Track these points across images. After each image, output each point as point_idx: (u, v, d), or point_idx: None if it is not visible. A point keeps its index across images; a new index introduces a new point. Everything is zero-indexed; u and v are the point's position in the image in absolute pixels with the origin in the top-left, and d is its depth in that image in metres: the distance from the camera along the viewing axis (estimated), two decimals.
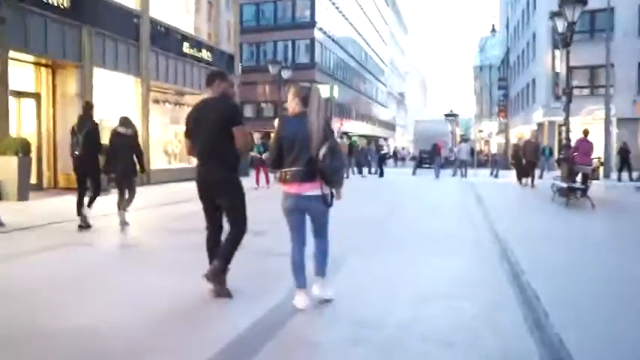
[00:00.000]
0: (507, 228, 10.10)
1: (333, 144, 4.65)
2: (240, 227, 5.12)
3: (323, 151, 4.57)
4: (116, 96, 20.65)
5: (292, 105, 4.82)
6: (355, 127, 65.70)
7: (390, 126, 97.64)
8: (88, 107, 9.79)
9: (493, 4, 56.25)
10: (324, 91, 40.25)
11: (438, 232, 9.65)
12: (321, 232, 4.97)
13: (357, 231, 9.48)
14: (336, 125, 44.44)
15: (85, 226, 9.33)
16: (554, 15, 16.69)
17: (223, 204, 5.13)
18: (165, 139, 25.00)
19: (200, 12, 27.25)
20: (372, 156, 34.18)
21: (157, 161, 23.39)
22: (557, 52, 37.31)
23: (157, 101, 23.66)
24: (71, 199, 10.52)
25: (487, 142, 74.11)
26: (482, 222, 11.16)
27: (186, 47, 24.54)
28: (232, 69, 29.23)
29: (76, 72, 17.91)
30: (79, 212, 9.42)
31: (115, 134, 9.67)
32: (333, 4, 57.51)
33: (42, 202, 14.20)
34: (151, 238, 9.29)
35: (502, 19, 58.95)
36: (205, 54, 26.28)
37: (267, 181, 19.74)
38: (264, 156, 18.69)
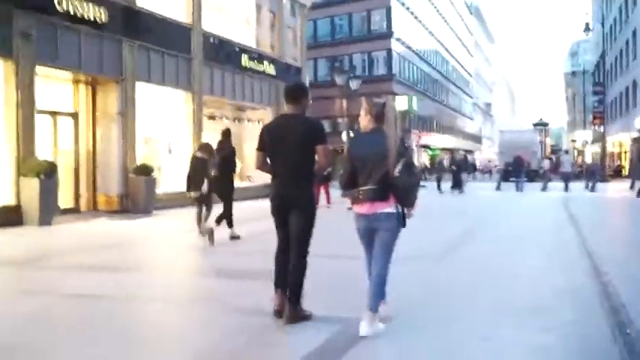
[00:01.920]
0: (615, 270, 7.22)
1: (409, 161, 4.53)
2: (303, 253, 4.97)
3: (399, 168, 4.39)
4: (165, 112, 19.37)
5: (364, 121, 4.68)
6: (438, 140, 62.91)
7: (476, 138, 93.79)
8: (227, 133, 10.64)
9: (585, 5, 52.16)
10: (402, 103, 38.66)
11: (512, 288, 6.91)
12: (382, 256, 4.66)
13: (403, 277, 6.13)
14: (415, 138, 42.02)
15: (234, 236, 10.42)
16: None
17: (294, 222, 4.94)
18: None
19: (262, 23, 25.70)
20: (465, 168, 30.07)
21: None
22: None
23: (212, 117, 22.20)
24: (99, 224, 12.14)
25: (581, 153, 69.38)
26: (579, 261, 8.12)
27: (245, 60, 22.96)
28: (299, 82, 27.45)
29: (117, 88, 16.66)
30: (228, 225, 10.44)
31: (193, 158, 10.39)
32: (412, 13, 55.34)
33: (64, 227, 12.88)
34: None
35: (596, 18, 54.81)
36: (268, 67, 24.65)
37: (329, 201, 17.87)
38: (325, 173, 16.84)
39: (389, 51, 49.56)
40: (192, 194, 10.21)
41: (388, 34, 49.39)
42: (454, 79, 77.20)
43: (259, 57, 24.23)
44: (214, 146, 10.36)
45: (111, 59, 16.33)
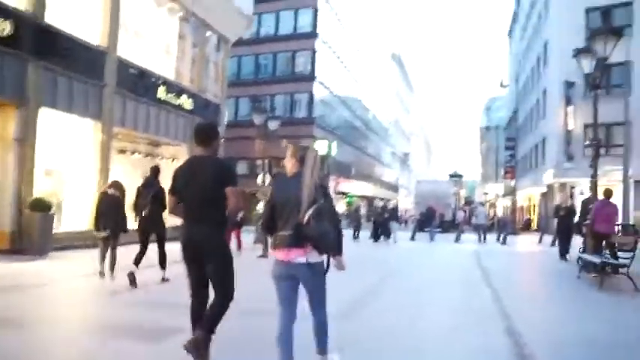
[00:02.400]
0: (531, 331, 7.05)
1: (321, 207, 4.34)
2: (226, 295, 4.82)
3: (309, 213, 4.29)
4: (70, 142, 18.10)
5: (289, 165, 4.62)
6: (356, 188, 63.05)
7: (394, 187, 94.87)
8: (155, 171, 10.41)
9: (501, 63, 54.49)
10: (322, 147, 38.24)
11: (428, 335, 6.71)
12: (316, 303, 4.59)
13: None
14: (332, 184, 41.80)
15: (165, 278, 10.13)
16: (579, 52, 13.91)
17: (210, 268, 4.81)
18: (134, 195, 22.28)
19: (183, 55, 24.84)
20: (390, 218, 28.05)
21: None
22: (570, 109, 35.06)
23: (123, 151, 21.06)
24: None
25: (492, 205, 71.35)
26: (492, 320, 7.70)
27: (162, 92, 22.01)
28: (218, 120, 26.68)
29: (17, 112, 15.33)
30: (136, 265, 9.83)
31: (103, 195, 10.49)
32: (338, 57, 55.69)
33: None
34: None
35: (511, 76, 57.07)
36: (185, 101, 23.76)
37: (239, 246, 17.04)
38: (238, 218, 16.26)
39: (311, 94, 49.45)
40: (102, 233, 10.21)
41: (311, 77, 49.33)
42: (374, 126, 78.03)
43: (177, 90, 23.33)
44: (126, 185, 10.43)
45: (12, 79, 15.03)
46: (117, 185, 10.61)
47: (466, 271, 13.86)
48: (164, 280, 10.12)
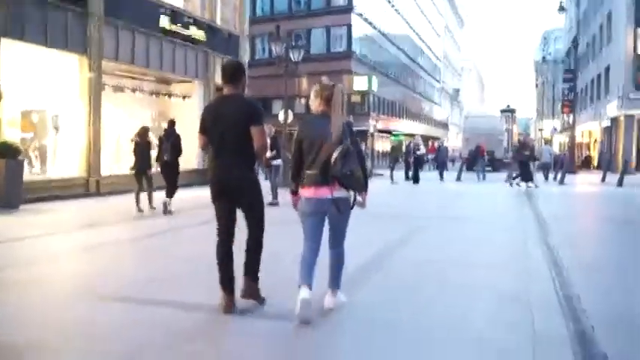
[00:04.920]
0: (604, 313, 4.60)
1: (346, 147, 4.39)
2: (260, 230, 4.90)
3: (335, 154, 4.34)
4: (49, 79, 15.81)
5: (315, 104, 4.65)
6: (403, 126, 59.85)
7: (444, 125, 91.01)
8: (172, 124, 12.21)
9: None
10: (361, 83, 35.31)
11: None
12: (335, 241, 4.73)
13: None
14: (372, 123, 38.83)
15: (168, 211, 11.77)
16: None
17: (243, 204, 4.84)
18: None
19: None
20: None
21: (119, 165, 18.45)
22: None
23: (120, 89, 18.67)
24: None
25: (548, 142, 67.13)
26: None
27: (165, 21, 19.34)
28: (236, 54, 23.94)
29: None
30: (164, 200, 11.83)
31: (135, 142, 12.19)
32: None
33: None
34: None
35: (570, 1, 52.25)
36: (196, 33, 21.05)
37: None
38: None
39: (349, 26, 46.05)
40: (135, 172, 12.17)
41: (348, 8, 45.87)
42: (422, 62, 74.08)
43: (185, 20, 20.65)
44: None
45: None
46: (141, 132, 12.28)
47: (514, 227, 10.98)
48: (169, 211, 11.75)
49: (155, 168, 12.39)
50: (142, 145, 12.07)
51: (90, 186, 16.29)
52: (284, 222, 6.82)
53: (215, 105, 5.01)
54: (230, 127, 4.74)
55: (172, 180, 11.98)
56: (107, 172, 17.20)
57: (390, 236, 8.81)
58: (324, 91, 4.58)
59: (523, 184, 20.27)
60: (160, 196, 12.04)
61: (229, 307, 4.70)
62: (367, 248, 7.32)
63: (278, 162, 14.43)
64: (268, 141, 8.08)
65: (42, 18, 14.72)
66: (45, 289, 5.53)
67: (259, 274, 4.88)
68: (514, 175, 21.45)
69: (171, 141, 11.84)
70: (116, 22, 17.15)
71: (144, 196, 12.16)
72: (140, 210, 11.95)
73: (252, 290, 4.85)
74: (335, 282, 4.79)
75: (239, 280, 4.81)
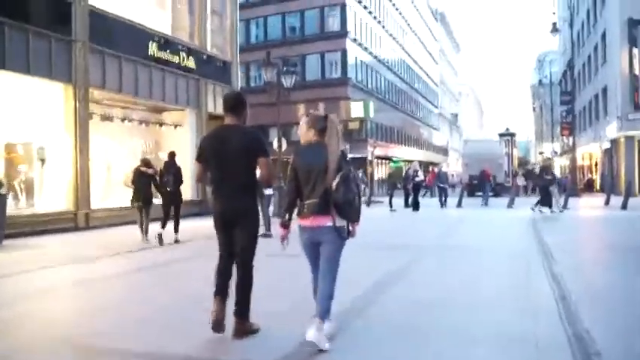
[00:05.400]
0: None
1: (346, 174, 4.44)
2: (249, 267, 4.88)
3: (336, 181, 4.39)
4: (33, 110, 15.36)
5: (308, 135, 4.66)
6: (401, 152, 59.48)
7: (443, 150, 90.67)
8: (172, 155, 12.61)
9: (551, 11, 49.16)
10: (357, 109, 34.92)
11: None
12: (328, 271, 4.59)
13: None
14: (370, 149, 38.42)
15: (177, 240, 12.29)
16: None
17: (239, 237, 4.85)
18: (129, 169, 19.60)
19: (178, 3, 21.74)
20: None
21: (109, 198, 17.91)
22: (636, 51, 30.70)
23: (107, 118, 18.17)
24: None
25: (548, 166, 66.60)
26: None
27: (153, 48, 18.97)
28: (229, 80, 23.56)
29: None
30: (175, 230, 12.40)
31: (137, 172, 12.57)
32: (370, 13, 51.78)
33: None
34: None
35: (563, 24, 52.14)
36: (185, 59, 20.66)
37: None
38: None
39: (344, 52, 45.86)
40: (136, 204, 12.48)
41: (343, 34, 45.71)
42: (419, 87, 73.99)
43: (174, 46, 20.27)
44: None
45: None
46: (147, 163, 12.71)
47: (521, 257, 10.37)
48: (177, 241, 12.19)
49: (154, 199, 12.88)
50: (146, 177, 12.43)
51: (79, 220, 15.75)
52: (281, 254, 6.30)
53: (216, 135, 5.01)
54: (234, 157, 4.77)
55: (176, 210, 12.45)
56: (97, 204, 16.66)
57: (383, 269, 8.14)
58: (317, 122, 4.62)
59: (546, 209, 19.67)
60: (153, 227, 12.23)
61: (219, 320, 4.69)
62: (355, 285, 6.54)
63: (269, 191, 13.92)
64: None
65: (24, 45, 14.27)
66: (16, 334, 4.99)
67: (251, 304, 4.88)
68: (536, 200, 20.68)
69: (172, 172, 12.31)
70: (102, 49, 16.72)
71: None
72: (147, 240, 12.31)
73: (244, 330, 4.80)
74: (322, 312, 4.55)
75: (230, 318, 4.79)
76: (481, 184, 28.52)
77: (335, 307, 4.69)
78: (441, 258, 9.62)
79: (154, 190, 12.65)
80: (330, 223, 4.45)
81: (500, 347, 4.57)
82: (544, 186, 20.32)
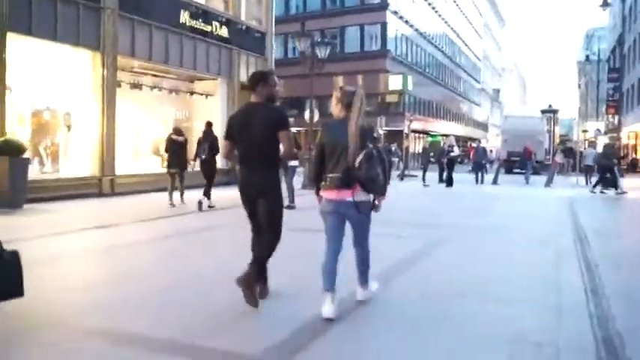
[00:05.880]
0: None
1: (370, 152, 4.46)
2: (276, 233, 5.00)
3: (359, 158, 4.44)
4: (63, 76, 15.22)
5: (336, 110, 4.73)
6: (440, 127, 58.44)
7: (483, 126, 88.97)
8: (209, 125, 13.09)
9: None
10: (395, 82, 34.19)
11: None
12: (359, 241, 4.87)
13: None
14: (406, 123, 37.58)
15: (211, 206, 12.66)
16: None
17: (263, 211, 4.98)
18: (158, 138, 19.46)
19: None
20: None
21: (136, 164, 17.80)
22: None
23: (137, 85, 18.00)
24: None
25: (592, 144, 64.71)
26: None
27: (185, 17, 18.62)
28: (263, 51, 23.12)
29: None
30: (207, 197, 12.66)
31: (170, 139, 13.12)
32: None
33: None
34: None
35: (614, 0, 50.15)
36: (218, 28, 20.28)
37: None
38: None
39: (383, 25, 44.91)
40: (172, 170, 13.05)
41: (383, 6, 44.73)
42: (460, 62, 72.39)
43: (206, 15, 19.89)
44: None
45: None
46: (178, 131, 13.23)
47: (552, 241, 9.81)
48: (210, 206, 12.59)
49: (192, 166, 13.64)
50: (178, 144, 12.99)
51: (103, 185, 15.66)
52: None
53: (242, 112, 5.21)
54: (257, 133, 4.91)
55: (210, 177, 12.83)
56: (123, 171, 16.53)
57: (400, 252, 7.60)
58: (344, 97, 4.66)
59: (609, 191, 18.94)
60: (195, 194, 12.88)
61: (254, 296, 4.74)
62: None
63: (295, 163, 13.62)
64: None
65: (51, 11, 14.07)
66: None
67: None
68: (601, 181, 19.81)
69: (209, 140, 12.70)
70: (132, 16, 16.44)
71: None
72: (173, 205, 12.82)
73: (250, 278, 4.79)
74: (362, 278, 5.00)
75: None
76: (523, 162, 27.98)
77: (340, 291, 4.70)
78: (465, 241, 9.05)
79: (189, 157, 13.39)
80: (350, 198, 4.55)
81: (512, 351, 4.07)
82: (608, 166, 19.45)
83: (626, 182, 25.11)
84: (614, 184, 19.09)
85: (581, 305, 5.16)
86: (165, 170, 13.49)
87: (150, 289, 5.55)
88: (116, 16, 15.77)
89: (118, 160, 16.24)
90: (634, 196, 18.71)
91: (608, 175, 19.29)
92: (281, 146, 4.97)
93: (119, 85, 16.53)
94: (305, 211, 10.34)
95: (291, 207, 12.37)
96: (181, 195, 13.21)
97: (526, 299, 5.44)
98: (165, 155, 13.64)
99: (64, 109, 15.75)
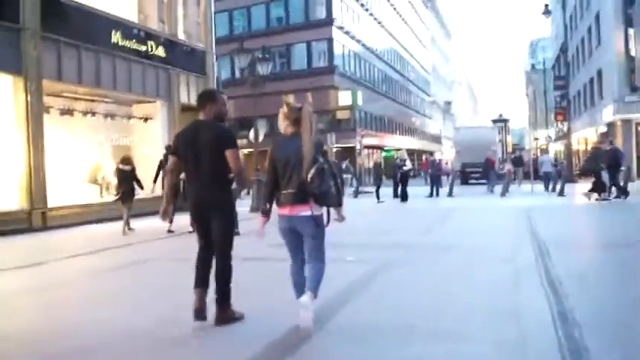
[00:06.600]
0: None
1: (321, 166, 4.50)
2: (227, 258, 4.99)
3: (311, 173, 4.45)
4: None
5: (283, 126, 4.74)
6: (393, 141, 58.26)
7: (436, 138, 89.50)
8: (169, 148, 12.09)
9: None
10: (345, 98, 33.74)
11: None
12: (314, 255, 4.74)
13: None
14: (358, 139, 37.13)
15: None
16: None
17: (215, 228, 4.98)
18: (95, 165, 18.34)
19: None
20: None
21: (70, 195, 16.65)
22: (632, 31, 29.54)
23: (68, 111, 16.95)
24: None
25: (543, 151, 65.51)
26: None
27: (117, 37, 17.64)
28: (204, 70, 22.27)
29: None
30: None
31: (117, 170, 13.20)
32: (357, 0, 50.42)
33: None
34: None
35: (555, 5, 50.84)
36: (155, 48, 19.35)
37: None
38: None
39: (329, 40, 44.58)
40: (114, 198, 13.30)
41: (328, 22, 44.42)
42: (410, 76, 72.70)
43: (140, 35, 18.95)
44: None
45: None
46: (125, 160, 13.16)
47: (510, 259, 9.14)
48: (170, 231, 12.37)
49: (152, 189, 13.85)
50: (125, 173, 12.93)
51: (34, 219, 14.53)
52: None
53: (188, 129, 5.18)
54: (203, 150, 4.90)
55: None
56: (56, 202, 15.41)
57: (342, 281, 6.56)
58: (291, 113, 4.65)
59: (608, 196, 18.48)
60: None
61: (200, 309, 4.85)
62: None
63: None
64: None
65: None
66: None
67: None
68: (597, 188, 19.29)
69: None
70: (57, 37, 15.43)
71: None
72: (130, 229, 13.00)
73: (225, 317, 4.92)
74: (313, 286, 4.66)
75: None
76: (486, 172, 28.18)
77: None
78: (417, 263, 8.25)
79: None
80: (306, 213, 4.55)
81: None
82: (595, 170, 18.89)
83: (579, 187, 24.96)
84: (604, 188, 18.63)
85: (548, 336, 4.42)
86: (103, 199, 13.87)
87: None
88: (38, 37, 14.74)
89: (50, 191, 15.14)
90: (585, 202, 18.39)
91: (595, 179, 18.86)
92: (230, 164, 4.92)
93: (47, 112, 15.55)
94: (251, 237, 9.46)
95: (236, 233, 11.56)
96: (126, 223, 13.01)
97: (482, 333, 4.66)
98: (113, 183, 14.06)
99: None
